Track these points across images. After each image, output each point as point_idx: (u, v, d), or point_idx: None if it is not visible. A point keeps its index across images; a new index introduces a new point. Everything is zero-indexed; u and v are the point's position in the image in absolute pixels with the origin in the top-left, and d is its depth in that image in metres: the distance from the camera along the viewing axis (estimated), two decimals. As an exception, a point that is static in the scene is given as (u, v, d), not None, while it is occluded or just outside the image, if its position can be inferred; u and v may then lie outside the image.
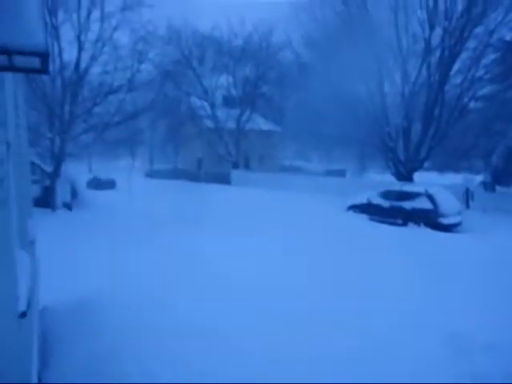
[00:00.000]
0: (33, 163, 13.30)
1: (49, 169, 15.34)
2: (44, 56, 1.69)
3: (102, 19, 15.19)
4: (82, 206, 16.34)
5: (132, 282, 6.57)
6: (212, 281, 6.71)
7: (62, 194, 15.67)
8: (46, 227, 10.39)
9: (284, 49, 27.70)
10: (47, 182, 15.58)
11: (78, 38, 14.80)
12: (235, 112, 31.25)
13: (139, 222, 12.78)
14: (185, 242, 9.74)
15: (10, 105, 3.41)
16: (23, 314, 2.29)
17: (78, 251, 8.41)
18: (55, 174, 15.35)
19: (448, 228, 12.41)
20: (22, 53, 1.62)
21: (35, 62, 1.71)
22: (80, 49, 14.92)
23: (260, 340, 4.63)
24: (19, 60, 1.66)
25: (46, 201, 14.97)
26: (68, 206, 15.70)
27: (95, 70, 15.97)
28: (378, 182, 20.49)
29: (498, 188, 16.39)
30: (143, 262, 7.92)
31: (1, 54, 1.58)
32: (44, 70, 1.76)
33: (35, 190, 13.50)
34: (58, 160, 15.33)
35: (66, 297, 5.74)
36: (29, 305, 2.45)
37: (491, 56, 18.24)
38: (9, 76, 2.90)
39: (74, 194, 17.02)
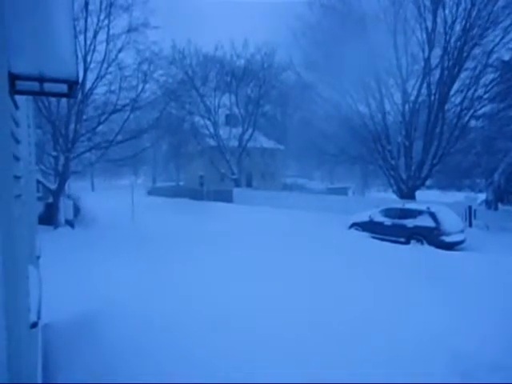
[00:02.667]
0: (36, 180, 13.43)
1: (52, 186, 15.45)
2: (74, 83, 1.77)
3: (108, 40, 15.59)
4: (85, 223, 16.37)
5: (131, 303, 6.49)
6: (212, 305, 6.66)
7: (64, 211, 15.73)
8: (48, 245, 10.39)
9: (286, 69, 28.19)
10: (50, 200, 15.68)
11: (84, 58, 15.15)
12: (237, 131, 31.61)
13: (139, 240, 12.77)
14: (190, 265, 9.71)
15: (24, 123, 3.51)
16: (34, 325, 2.39)
17: (77, 271, 8.39)
18: (58, 192, 15.45)
19: (451, 246, 12.32)
20: (55, 80, 1.71)
21: (63, 88, 1.79)
22: (86, 69, 15.25)
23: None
24: (49, 86, 1.75)
25: (48, 218, 15.03)
26: (70, 224, 15.73)
27: (100, 89, 16.31)
28: (380, 199, 20.47)
29: (500, 206, 16.36)
30: (141, 281, 7.88)
31: (35, 80, 1.66)
32: (71, 94, 1.84)
33: (38, 207, 13.55)
34: (61, 178, 15.46)
35: (64, 316, 5.72)
36: (38, 316, 2.55)
37: (490, 76, 18.49)
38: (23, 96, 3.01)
39: (77, 211, 17.09)
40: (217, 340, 5.03)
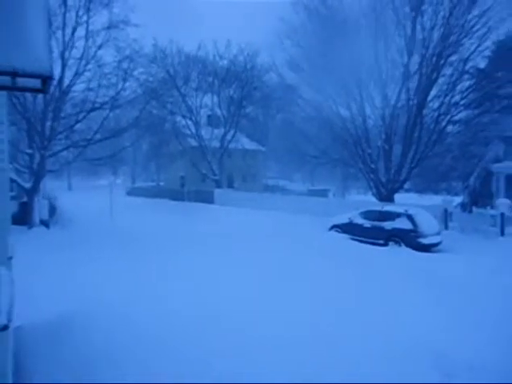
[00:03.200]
0: (10, 179, 12.98)
1: (26, 185, 14.98)
2: (47, 78, 1.74)
3: (87, 37, 15.26)
4: (61, 223, 15.93)
5: (103, 306, 6.27)
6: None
7: (39, 211, 15.27)
8: (21, 246, 10.04)
9: (269, 71, 28.26)
10: (24, 199, 15.21)
11: (62, 55, 14.78)
12: (219, 131, 31.48)
13: (117, 241, 12.52)
14: (166, 264, 9.58)
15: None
16: (5, 327, 2.33)
17: (50, 273, 8.14)
18: (33, 191, 14.99)
19: (427, 248, 12.57)
20: (28, 75, 1.69)
21: (37, 83, 1.76)
22: (64, 65, 14.87)
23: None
24: (22, 81, 1.72)
25: (22, 218, 14.57)
26: (45, 224, 15.29)
27: (79, 86, 15.93)
28: (360, 202, 20.73)
29: (474, 209, 16.79)
30: (119, 283, 7.71)
31: (7, 75, 1.63)
32: (45, 90, 1.81)
33: (11, 207, 13.12)
34: (36, 176, 15.01)
35: (38, 317, 5.53)
36: (9, 319, 2.49)
37: (466, 83, 19.02)
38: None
39: (53, 211, 16.62)
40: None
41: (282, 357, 4.63)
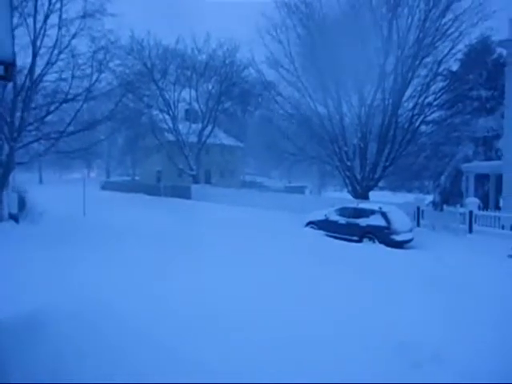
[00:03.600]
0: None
1: (-6, 178, 14.42)
2: (10, 65, 1.67)
3: (60, 25, 14.76)
4: (31, 218, 15.41)
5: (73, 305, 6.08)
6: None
7: (8, 204, 14.74)
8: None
9: (248, 67, 28.17)
10: (-8, 192, 14.62)
11: (34, 43, 14.24)
12: (197, 126, 31.20)
13: (87, 235, 12.26)
14: (139, 264, 9.44)
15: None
16: None
17: (20, 271, 7.88)
18: (2, 184, 14.44)
19: (400, 244, 12.90)
20: None
21: None
22: (35, 54, 14.34)
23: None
24: None
25: (-11, 212, 14.01)
26: (15, 218, 14.76)
27: (51, 76, 15.41)
28: (336, 199, 21.01)
29: (445, 207, 17.35)
30: (90, 279, 7.54)
31: None
32: (8, 77, 1.73)
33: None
34: (5, 169, 14.47)
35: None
36: None
37: (440, 84, 19.55)
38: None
39: (23, 205, 16.05)
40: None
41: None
